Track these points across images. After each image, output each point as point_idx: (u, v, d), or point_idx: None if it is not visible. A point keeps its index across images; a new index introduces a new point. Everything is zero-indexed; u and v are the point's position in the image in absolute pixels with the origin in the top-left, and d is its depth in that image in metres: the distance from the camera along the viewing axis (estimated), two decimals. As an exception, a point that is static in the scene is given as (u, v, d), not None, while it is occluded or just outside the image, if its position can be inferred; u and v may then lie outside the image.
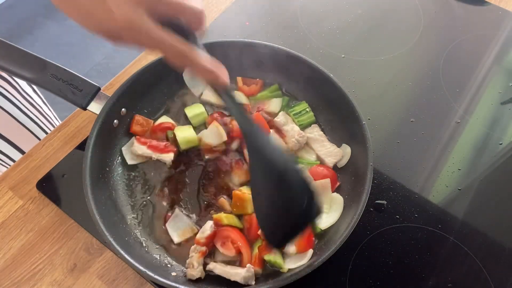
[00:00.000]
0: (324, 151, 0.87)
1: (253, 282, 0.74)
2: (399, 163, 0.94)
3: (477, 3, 1.22)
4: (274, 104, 0.96)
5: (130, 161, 0.89)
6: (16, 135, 1.11)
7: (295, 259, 0.77)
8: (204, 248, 0.78)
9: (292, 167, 0.65)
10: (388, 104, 1.03)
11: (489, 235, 0.86)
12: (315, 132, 0.90)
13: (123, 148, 0.90)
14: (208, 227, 0.79)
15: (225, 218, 0.81)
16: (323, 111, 0.94)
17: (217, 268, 0.77)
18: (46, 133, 1.19)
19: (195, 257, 0.77)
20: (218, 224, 0.80)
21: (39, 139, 1.16)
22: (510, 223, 0.88)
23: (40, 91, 1.25)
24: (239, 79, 0.98)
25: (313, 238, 0.79)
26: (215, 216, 0.82)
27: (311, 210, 0.63)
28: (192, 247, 0.79)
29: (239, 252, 0.78)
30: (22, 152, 1.12)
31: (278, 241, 0.71)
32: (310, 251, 0.77)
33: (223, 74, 0.64)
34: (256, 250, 0.78)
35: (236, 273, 0.75)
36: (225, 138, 0.88)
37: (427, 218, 0.87)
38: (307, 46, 1.12)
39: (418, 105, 1.02)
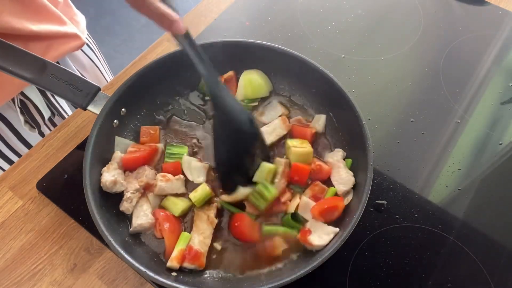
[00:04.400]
0: (337, 177, 0.85)
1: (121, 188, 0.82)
2: (399, 163, 0.94)
3: (477, 3, 1.22)
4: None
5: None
6: None
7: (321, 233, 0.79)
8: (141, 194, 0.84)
9: (249, 119, 0.81)
10: (388, 104, 1.03)
11: (489, 235, 0.86)
12: (335, 157, 0.87)
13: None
14: (144, 177, 0.84)
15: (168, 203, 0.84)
16: (323, 111, 0.94)
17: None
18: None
19: (135, 196, 0.83)
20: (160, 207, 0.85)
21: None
22: (510, 223, 0.88)
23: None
24: None
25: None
26: (163, 203, 0.84)
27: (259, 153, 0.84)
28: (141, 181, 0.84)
29: (163, 237, 0.81)
30: None
31: (231, 187, 0.83)
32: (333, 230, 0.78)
33: (177, 22, 0.71)
34: (181, 246, 0.78)
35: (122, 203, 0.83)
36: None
37: (427, 218, 0.87)
38: (307, 46, 1.12)
39: (418, 105, 1.02)
